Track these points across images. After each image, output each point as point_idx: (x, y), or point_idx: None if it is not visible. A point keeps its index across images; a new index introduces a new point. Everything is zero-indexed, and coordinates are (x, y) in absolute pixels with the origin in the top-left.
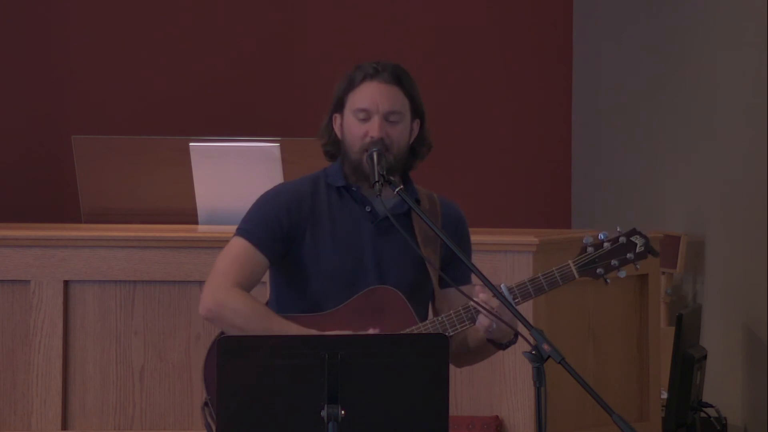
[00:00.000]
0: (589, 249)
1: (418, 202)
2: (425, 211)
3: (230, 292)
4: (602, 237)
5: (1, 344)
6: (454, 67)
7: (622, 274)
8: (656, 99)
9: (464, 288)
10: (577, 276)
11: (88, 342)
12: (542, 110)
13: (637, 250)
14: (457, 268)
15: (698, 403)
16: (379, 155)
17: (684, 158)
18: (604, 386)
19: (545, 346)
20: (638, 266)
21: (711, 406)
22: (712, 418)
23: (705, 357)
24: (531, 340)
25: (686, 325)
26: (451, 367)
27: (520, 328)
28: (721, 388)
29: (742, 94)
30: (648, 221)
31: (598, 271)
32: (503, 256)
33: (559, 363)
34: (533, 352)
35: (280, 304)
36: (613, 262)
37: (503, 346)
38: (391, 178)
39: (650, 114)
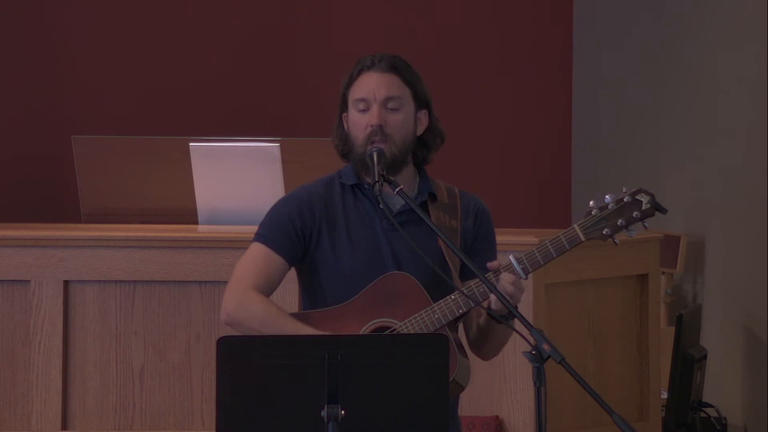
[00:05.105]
0: (594, 211)
1: (433, 195)
2: (444, 205)
3: (246, 295)
4: (607, 199)
5: (1, 344)
6: (454, 67)
7: (631, 233)
8: (656, 99)
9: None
10: (583, 238)
11: (88, 342)
12: (542, 110)
13: (643, 208)
14: (478, 260)
15: (698, 403)
16: (378, 155)
17: (684, 158)
18: (604, 386)
19: (545, 346)
20: (646, 225)
21: (711, 406)
22: (712, 418)
23: (705, 357)
24: (531, 340)
25: (686, 325)
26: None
27: (520, 327)
28: (721, 388)
29: (742, 95)
30: (648, 221)
31: (605, 231)
32: (503, 256)
33: (559, 363)
34: (533, 352)
35: (305, 308)
36: (620, 221)
37: (502, 320)
38: (391, 178)
39: (650, 114)
